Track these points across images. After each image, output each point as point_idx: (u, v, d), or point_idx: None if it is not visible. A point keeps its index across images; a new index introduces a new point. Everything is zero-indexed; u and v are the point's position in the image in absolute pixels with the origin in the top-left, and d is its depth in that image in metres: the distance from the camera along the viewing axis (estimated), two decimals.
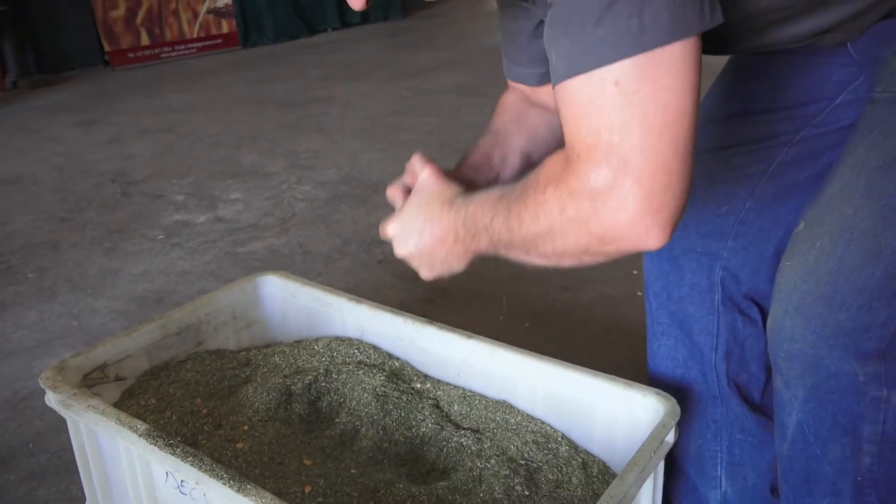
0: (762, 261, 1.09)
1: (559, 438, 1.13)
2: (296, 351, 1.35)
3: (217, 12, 6.41)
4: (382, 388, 1.21)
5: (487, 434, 1.15)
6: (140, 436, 1.00)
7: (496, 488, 1.03)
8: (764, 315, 1.12)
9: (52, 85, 5.33)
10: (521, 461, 1.09)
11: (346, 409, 1.20)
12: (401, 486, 1.03)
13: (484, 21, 7.38)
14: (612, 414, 1.09)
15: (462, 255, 0.88)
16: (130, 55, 5.98)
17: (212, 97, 4.83)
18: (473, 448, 1.11)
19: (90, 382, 1.19)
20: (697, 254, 1.11)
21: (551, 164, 0.75)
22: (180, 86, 5.19)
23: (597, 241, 0.70)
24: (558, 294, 2.10)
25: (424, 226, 0.90)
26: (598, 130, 0.66)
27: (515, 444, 1.12)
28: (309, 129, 3.93)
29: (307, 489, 1.01)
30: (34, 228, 2.78)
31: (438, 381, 1.27)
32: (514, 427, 1.16)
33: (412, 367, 1.30)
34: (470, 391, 1.23)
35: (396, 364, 1.30)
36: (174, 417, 1.15)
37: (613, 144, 0.66)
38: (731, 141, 1.07)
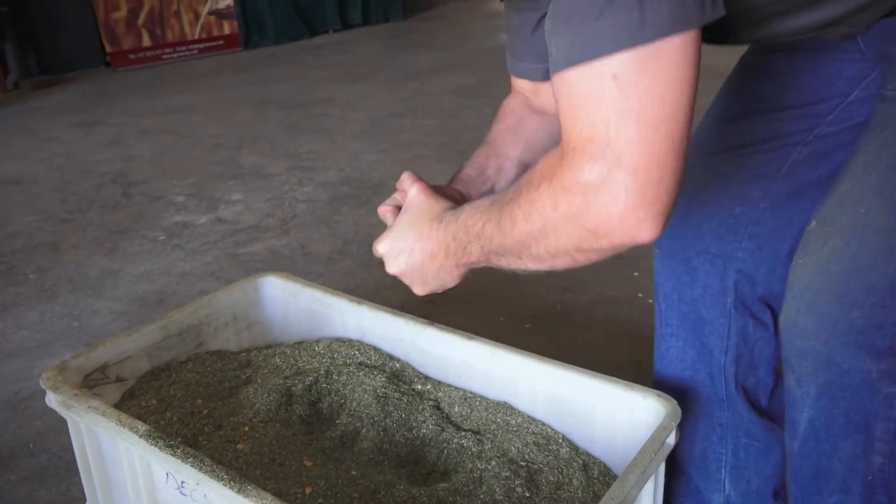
0: (777, 260, 1.08)
1: (560, 440, 1.13)
2: (296, 352, 1.35)
3: (218, 14, 6.42)
4: (383, 390, 1.21)
5: (488, 435, 1.15)
6: (140, 437, 1.00)
7: (497, 490, 1.02)
8: (775, 319, 1.12)
9: (53, 86, 5.33)
10: (522, 463, 1.08)
11: (347, 411, 1.20)
12: (401, 487, 1.03)
13: (484, 23, 7.39)
14: (613, 415, 1.09)
15: (454, 270, 0.88)
16: (132, 56, 5.98)
17: (213, 98, 4.83)
18: (474, 449, 1.11)
19: (91, 383, 1.19)
20: (711, 255, 1.11)
21: (546, 160, 0.75)
22: (181, 87, 5.20)
23: (590, 236, 0.70)
24: (559, 295, 2.10)
25: (415, 243, 0.90)
26: (595, 124, 0.66)
27: (516, 445, 1.12)
28: (310, 131, 3.94)
29: (308, 490, 1.01)
30: (35, 229, 2.78)
31: (439, 382, 1.27)
32: (515, 428, 1.15)
33: (413, 369, 1.30)
34: (470, 392, 1.23)
35: (397, 365, 1.30)
36: (175, 418, 1.15)
37: (609, 138, 0.65)
38: (744, 140, 1.06)
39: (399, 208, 0.97)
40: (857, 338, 0.83)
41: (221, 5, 6.41)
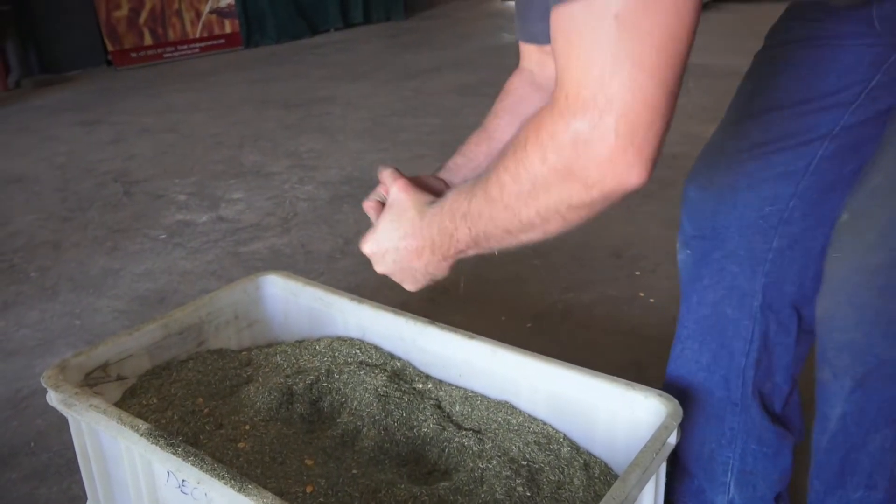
0: (810, 257, 1.07)
1: (561, 439, 1.13)
2: (297, 351, 1.35)
3: (220, 12, 6.42)
4: (384, 389, 1.21)
5: (489, 435, 1.15)
6: (141, 435, 1.00)
7: (498, 489, 1.02)
8: (800, 325, 1.12)
9: (54, 85, 5.34)
10: (523, 462, 1.08)
11: (348, 410, 1.20)
12: (402, 486, 1.03)
13: (486, 22, 7.39)
14: (614, 415, 1.09)
15: (441, 263, 0.87)
16: (133, 55, 5.98)
17: (214, 97, 4.83)
18: (475, 449, 1.11)
19: (92, 382, 1.19)
20: (741, 257, 1.10)
21: (531, 121, 0.73)
22: (183, 86, 5.20)
23: (581, 188, 0.68)
24: (560, 295, 2.10)
25: (399, 242, 0.89)
26: (589, 67, 0.64)
27: (517, 444, 1.12)
28: (311, 129, 3.94)
29: (308, 489, 1.01)
30: (36, 228, 2.79)
31: (440, 381, 1.27)
32: (516, 428, 1.15)
33: (414, 368, 1.30)
34: (471, 392, 1.23)
35: (398, 364, 1.30)
36: (175, 417, 1.15)
37: (603, 83, 0.64)
38: (768, 137, 1.05)
39: (383, 204, 0.96)
40: None
41: (223, 4, 6.42)
